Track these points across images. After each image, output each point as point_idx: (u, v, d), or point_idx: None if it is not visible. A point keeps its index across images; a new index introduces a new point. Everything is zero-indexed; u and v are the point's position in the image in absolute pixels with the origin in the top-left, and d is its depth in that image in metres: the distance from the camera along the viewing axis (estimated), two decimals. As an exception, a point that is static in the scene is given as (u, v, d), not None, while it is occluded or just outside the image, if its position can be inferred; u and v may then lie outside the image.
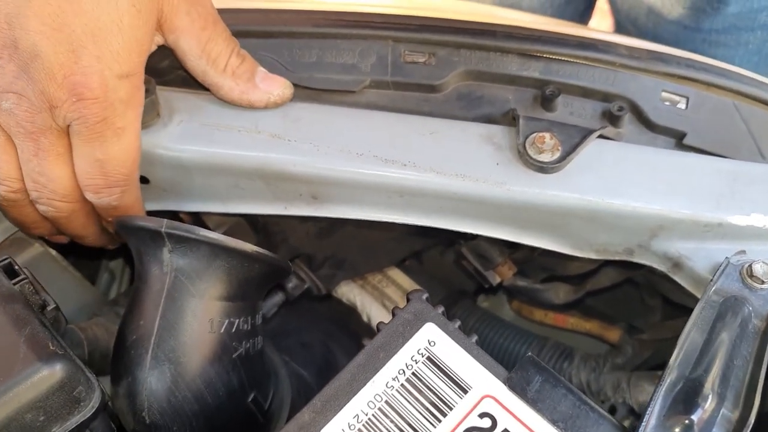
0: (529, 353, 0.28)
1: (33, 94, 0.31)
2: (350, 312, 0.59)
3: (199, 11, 0.35)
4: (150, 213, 0.38)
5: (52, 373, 0.27)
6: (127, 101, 0.32)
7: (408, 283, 0.61)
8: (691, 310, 0.50)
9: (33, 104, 0.31)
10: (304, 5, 0.43)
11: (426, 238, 0.54)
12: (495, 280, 0.48)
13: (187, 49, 0.36)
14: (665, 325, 0.56)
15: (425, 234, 0.53)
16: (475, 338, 0.29)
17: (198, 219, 0.45)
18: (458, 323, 0.30)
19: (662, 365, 0.55)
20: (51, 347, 0.28)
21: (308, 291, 0.52)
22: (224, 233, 0.35)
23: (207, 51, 0.36)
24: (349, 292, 0.59)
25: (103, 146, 0.32)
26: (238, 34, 0.40)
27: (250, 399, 0.34)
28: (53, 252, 0.44)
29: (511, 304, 0.62)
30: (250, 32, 0.40)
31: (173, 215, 0.43)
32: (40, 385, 0.27)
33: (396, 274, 0.60)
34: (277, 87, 0.37)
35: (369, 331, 0.58)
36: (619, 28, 0.71)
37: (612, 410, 0.50)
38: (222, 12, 0.41)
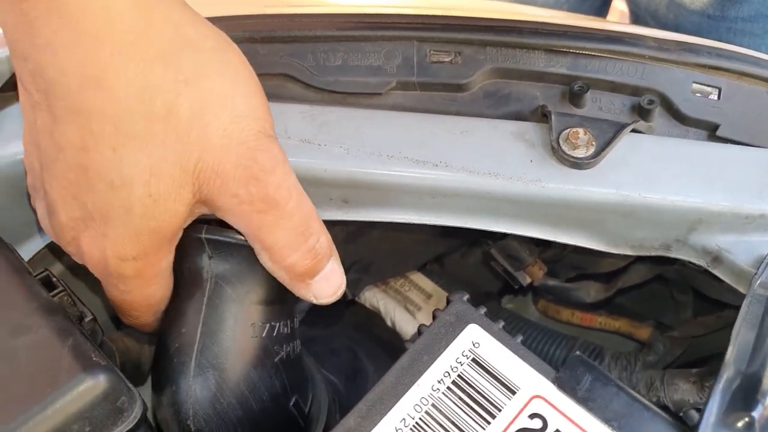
0: (577, 353, 0.28)
1: (55, 227, 0.31)
2: (373, 317, 0.58)
3: (252, 193, 0.28)
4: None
5: (96, 384, 0.27)
6: (132, 278, 0.30)
7: (430, 286, 0.61)
8: (725, 305, 0.49)
9: (58, 237, 0.31)
10: (327, 9, 0.42)
11: (451, 239, 0.53)
12: (525, 280, 0.47)
13: (237, 225, 0.30)
14: (696, 322, 0.55)
15: (451, 235, 0.53)
16: (520, 338, 0.29)
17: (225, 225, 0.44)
18: (502, 324, 0.29)
19: (694, 362, 0.54)
20: (94, 358, 0.28)
21: (335, 296, 0.51)
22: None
23: (261, 239, 0.29)
24: (372, 297, 0.58)
25: (115, 290, 0.32)
26: (263, 40, 0.39)
27: (291, 403, 0.34)
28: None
29: (537, 304, 0.61)
30: (275, 37, 0.40)
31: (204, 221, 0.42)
32: (85, 396, 0.27)
33: (418, 277, 0.60)
34: (326, 295, 0.32)
35: (393, 335, 0.58)
36: (637, 21, 0.70)
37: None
38: (246, 18, 0.40)
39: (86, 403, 0.27)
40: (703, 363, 0.53)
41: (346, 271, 0.51)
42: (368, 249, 0.49)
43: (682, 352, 0.56)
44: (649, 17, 0.67)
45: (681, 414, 0.49)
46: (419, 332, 0.29)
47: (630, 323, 0.57)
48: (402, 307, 0.59)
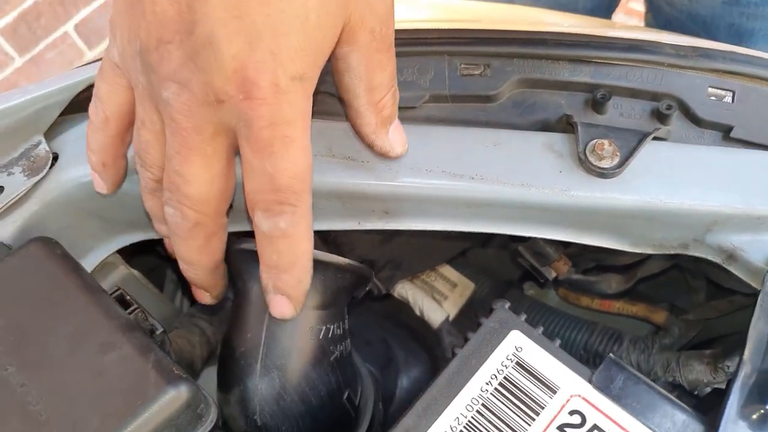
0: (610, 355, 0.31)
1: (197, 85, 0.28)
2: (402, 306, 0.62)
3: (382, 32, 0.31)
4: (234, 234, 0.41)
5: (179, 395, 0.30)
6: (296, 107, 0.29)
7: (455, 276, 0.64)
8: (736, 293, 0.52)
9: (194, 96, 0.28)
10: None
11: (475, 236, 0.56)
12: (551, 275, 0.50)
13: (354, 66, 0.32)
14: (709, 305, 0.58)
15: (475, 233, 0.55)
16: (558, 342, 0.32)
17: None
18: (541, 329, 0.32)
19: (707, 342, 0.57)
20: (176, 371, 0.31)
21: (369, 292, 0.54)
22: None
23: (371, 77, 0.32)
24: (401, 288, 0.62)
25: (271, 157, 0.29)
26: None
27: (345, 397, 0.38)
28: (136, 273, 0.47)
29: (558, 291, 0.64)
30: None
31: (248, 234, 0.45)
32: (171, 405, 0.30)
33: (443, 268, 0.63)
34: (400, 144, 0.36)
35: (421, 323, 0.61)
36: (652, 7, 0.71)
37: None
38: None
39: (173, 412, 0.30)
40: (711, 342, 0.56)
41: (382, 269, 0.55)
42: (401, 249, 0.52)
43: (695, 334, 0.59)
44: (665, 3, 0.69)
45: (696, 392, 0.52)
46: (466, 339, 0.32)
47: (647, 308, 0.60)
48: (429, 296, 0.62)
